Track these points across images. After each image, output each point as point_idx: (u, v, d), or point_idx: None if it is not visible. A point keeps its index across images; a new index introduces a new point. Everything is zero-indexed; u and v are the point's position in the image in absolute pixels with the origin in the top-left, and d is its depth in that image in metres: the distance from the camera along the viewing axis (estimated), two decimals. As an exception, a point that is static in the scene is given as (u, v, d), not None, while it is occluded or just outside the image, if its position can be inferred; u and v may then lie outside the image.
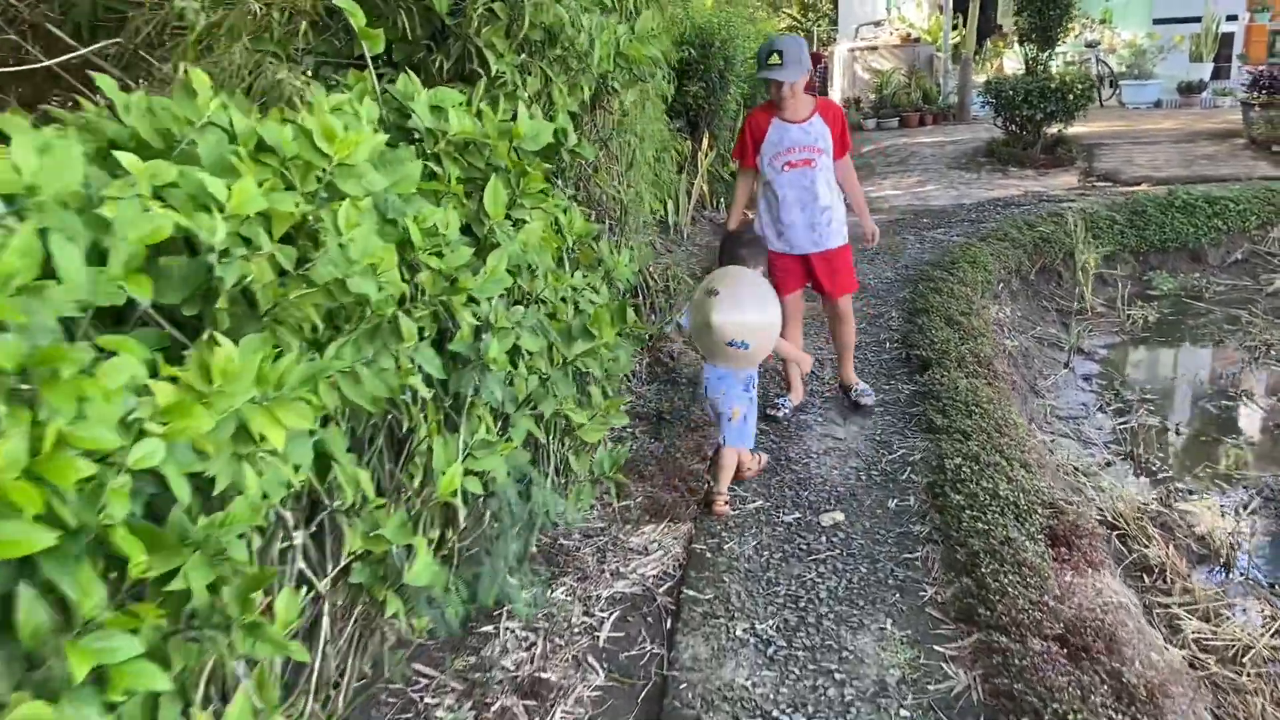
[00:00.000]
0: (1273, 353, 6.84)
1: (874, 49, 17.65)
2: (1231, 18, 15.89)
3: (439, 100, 2.91)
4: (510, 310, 2.70)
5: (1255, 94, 11.55)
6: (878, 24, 23.10)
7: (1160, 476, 5.15)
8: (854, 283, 5.06)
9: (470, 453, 2.51)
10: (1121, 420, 5.90)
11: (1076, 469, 5.07)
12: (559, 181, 4.14)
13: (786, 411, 5.02)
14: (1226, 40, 15.74)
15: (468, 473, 2.45)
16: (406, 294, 2.23)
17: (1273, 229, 9.07)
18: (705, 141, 10.46)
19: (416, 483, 2.45)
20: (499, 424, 2.82)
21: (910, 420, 4.78)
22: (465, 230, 2.77)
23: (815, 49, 29.75)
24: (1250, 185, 9.66)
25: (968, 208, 10.02)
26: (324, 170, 1.97)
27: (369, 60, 2.73)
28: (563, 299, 3.28)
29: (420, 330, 2.28)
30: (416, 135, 2.76)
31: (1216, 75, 15.64)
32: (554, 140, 4.00)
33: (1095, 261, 8.09)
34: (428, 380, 2.37)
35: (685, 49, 10.11)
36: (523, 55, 3.85)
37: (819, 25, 33.09)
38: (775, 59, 4.62)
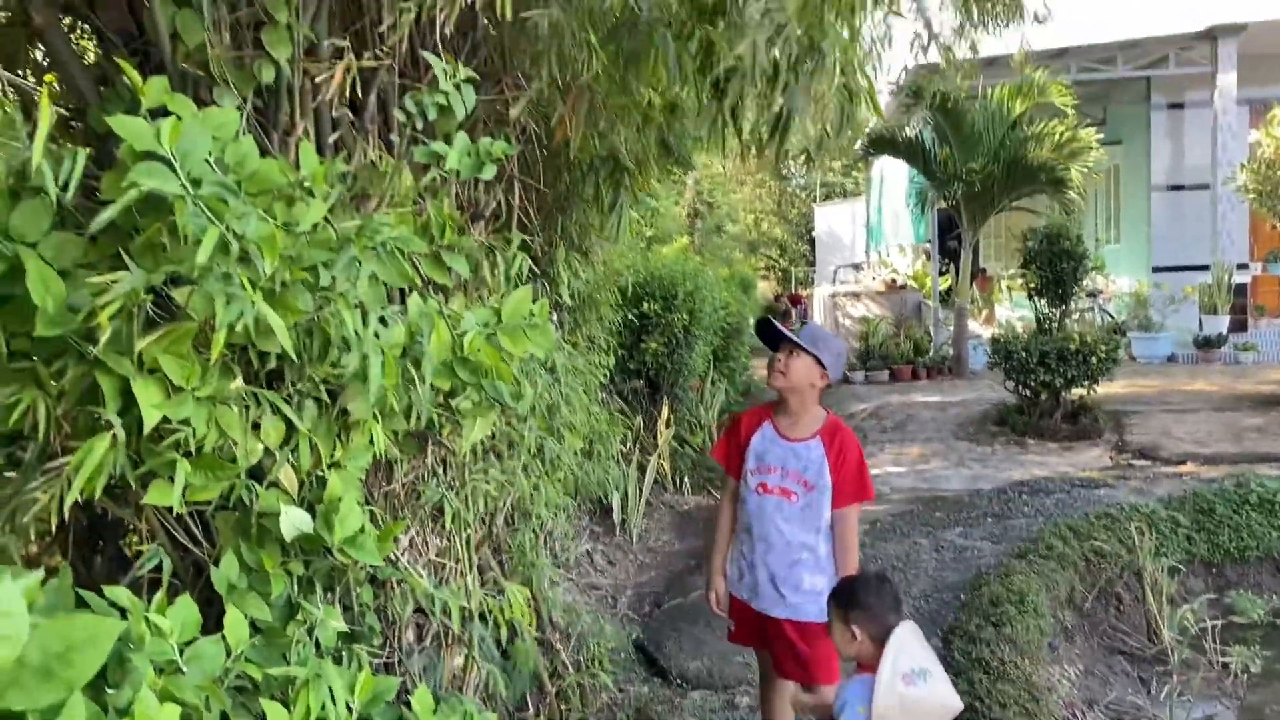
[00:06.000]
0: None
1: (857, 295, 16.37)
2: (1242, 266, 14.72)
3: None
4: None
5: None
6: (857, 266, 22.21)
7: None
8: (831, 676, 3.26)
9: None
10: None
11: None
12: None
13: None
14: (1239, 290, 14.49)
15: None
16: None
17: (1375, 533, 7.18)
18: (665, 408, 8.72)
19: None
20: None
21: None
22: None
23: (794, 290, 29.06)
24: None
25: (987, 495, 8.17)
26: None
27: None
28: None
29: None
30: None
31: (1234, 328, 14.28)
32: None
33: (1169, 587, 6.13)
34: None
35: (645, 301, 8.57)
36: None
37: (796, 265, 32.68)
38: (797, 326, 3.34)
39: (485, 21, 3.43)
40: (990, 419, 10.72)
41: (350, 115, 2.75)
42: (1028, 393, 10.06)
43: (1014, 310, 16.35)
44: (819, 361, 3.23)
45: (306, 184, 2.03)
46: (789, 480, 3.28)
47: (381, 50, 2.60)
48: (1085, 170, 12.99)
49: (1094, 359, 9.43)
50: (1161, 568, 6.31)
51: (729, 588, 3.52)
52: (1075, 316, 12.27)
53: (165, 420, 1.85)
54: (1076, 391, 9.92)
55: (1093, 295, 15.03)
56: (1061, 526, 6.74)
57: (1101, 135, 13.60)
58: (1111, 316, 15.37)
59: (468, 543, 2.77)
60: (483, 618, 2.98)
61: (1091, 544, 6.46)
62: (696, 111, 5.05)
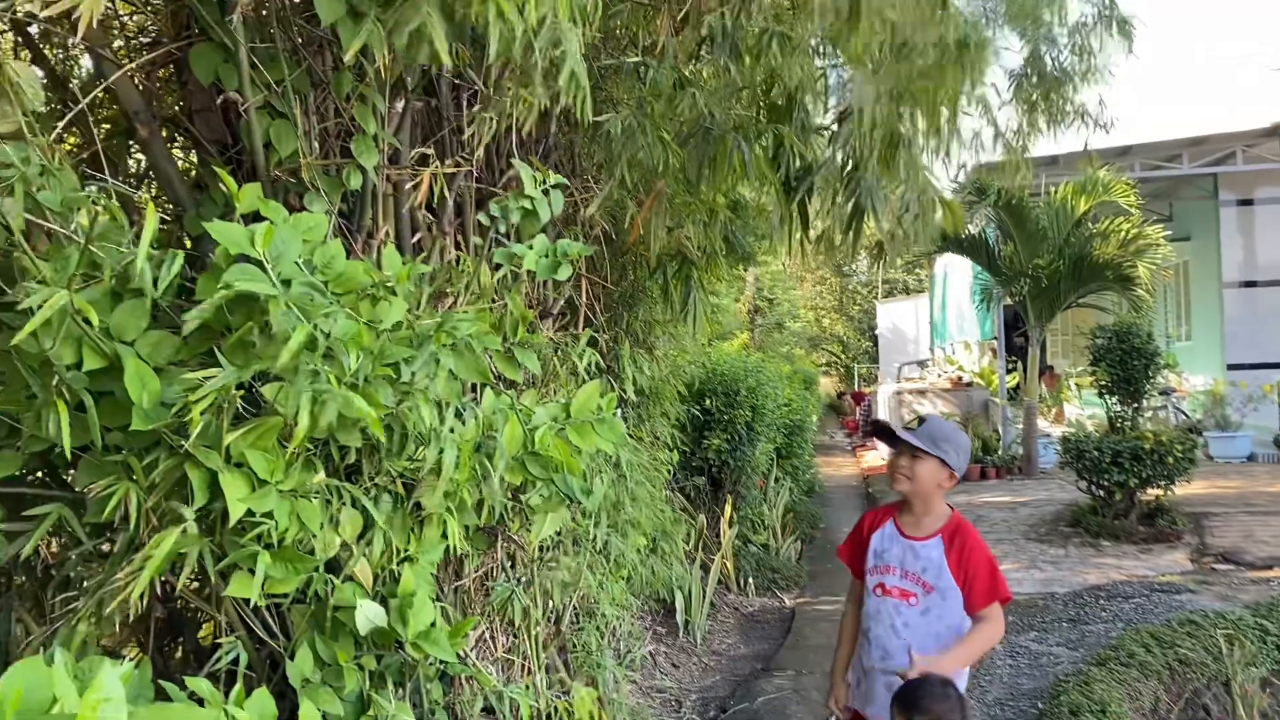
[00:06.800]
0: None
1: (922, 392, 16.20)
2: (1322, 363, 14.33)
3: None
4: None
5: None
6: (922, 363, 22.03)
7: None
8: None
9: None
10: None
11: None
12: None
13: None
14: (1322, 387, 14.09)
15: None
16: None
17: None
18: (729, 506, 8.64)
19: None
20: None
21: None
22: None
23: (857, 387, 28.87)
24: None
25: (1062, 599, 7.90)
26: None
27: None
28: None
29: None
30: None
31: (1318, 426, 13.84)
32: None
33: (1261, 700, 5.84)
34: None
35: (707, 397, 8.59)
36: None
37: (859, 362, 32.51)
38: (914, 423, 3.11)
39: (555, 128, 3.56)
40: (1063, 520, 10.44)
41: (428, 216, 2.85)
42: (1101, 493, 9.80)
43: (1084, 408, 16.05)
44: (944, 461, 3.07)
45: (389, 284, 2.10)
46: (907, 581, 3.10)
47: (462, 157, 2.71)
48: (1153, 267, 12.84)
49: (1170, 458, 9.17)
50: (1252, 679, 6.02)
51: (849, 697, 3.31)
52: (1148, 415, 12.01)
53: (248, 513, 1.89)
54: (1153, 492, 9.63)
55: (1165, 393, 14.70)
56: (1143, 633, 6.49)
57: (1169, 232, 13.47)
58: (1186, 415, 14.99)
59: (535, 640, 2.76)
60: (549, 718, 2.94)
61: (1175, 652, 6.20)
62: (759, 211, 5.14)
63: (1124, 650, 6.17)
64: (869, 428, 3.40)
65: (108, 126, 3.12)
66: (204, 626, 2.73)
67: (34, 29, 2.76)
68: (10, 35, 2.70)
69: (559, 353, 3.35)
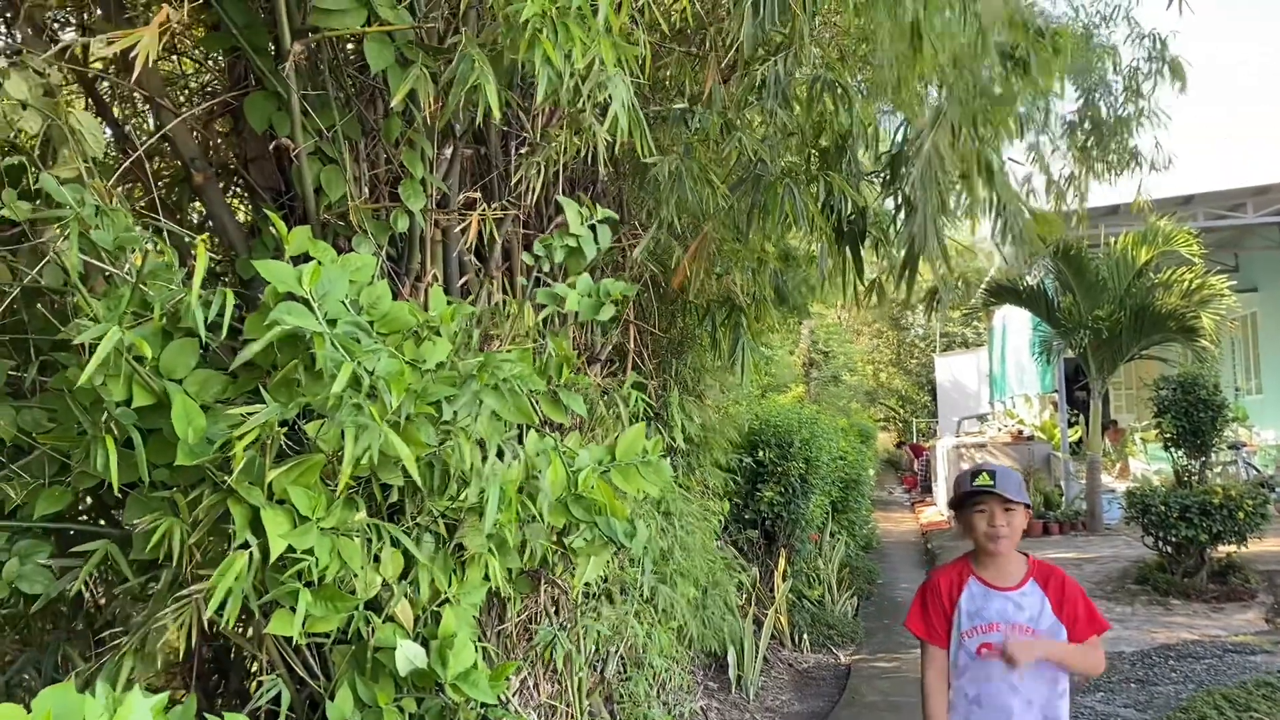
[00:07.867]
0: None
1: (982, 446, 15.91)
2: (1400, 421, 13.80)
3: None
4: None
5: None
6: (982, 418, 21.65)
7: None
8: None
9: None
10: None
11: None
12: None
13: None
14: (1399, 445, 13.56)
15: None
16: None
17: None
18: (782, 559, 8.51)
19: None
20: None
21: None
22: None
23: (916, 441, 28.42)
24: None
25: (1130, 659, 7.62)
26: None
27: None
28: None
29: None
30: None
31: (1397, 484, 13.28)
32: None
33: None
34: None
35: (759, 449, 8.50)
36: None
37: (918, 416, 32.04)
38: (985, 479, 3.03)
39: (603, 175, 3.59)
40: (1129, 577, 10.10)
41: (476, 261, 2.88)
42: (1169, 549, 9.48)
43: (1150, 463, 15.62)
44: (1027, 506, 3.06)
45: (434, 324, 2.12)
46: (1017, 634, 2.98)
47: (509, 201, 2.74)
48: (1217, 318, 12.52)
49: (1240, 514, 8.85)
50: (1335, 746, 5.74)
51: None
52: (1217, 470, 11.63)
53: (290, 550, 1.90)
54: (1224, 549, 9.30)
55: (1235, 448, 14.26)
56: (1215, 695, 6.23)
57: (1234, 282, 13.15)
58: (1257, 470, 14.50)
59: (579, 688, 2.72)
60: (593, 768, 2.89)
61: (1250, 716, 5.93)
62: (810, 261, 5.11)
63: (1195, 713, 5.93)
64: (957, 494, 3.31)
65: (168, 176, 3.21)
66: (250, 675, 2.74)
67: (103, 84, 2.87)
68: (78, 89, 2.80)
69: (606, 397, 3.34)
